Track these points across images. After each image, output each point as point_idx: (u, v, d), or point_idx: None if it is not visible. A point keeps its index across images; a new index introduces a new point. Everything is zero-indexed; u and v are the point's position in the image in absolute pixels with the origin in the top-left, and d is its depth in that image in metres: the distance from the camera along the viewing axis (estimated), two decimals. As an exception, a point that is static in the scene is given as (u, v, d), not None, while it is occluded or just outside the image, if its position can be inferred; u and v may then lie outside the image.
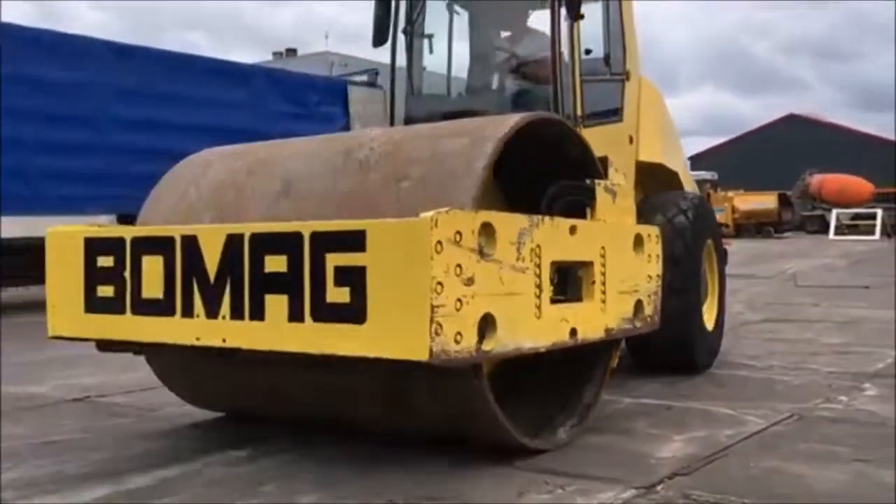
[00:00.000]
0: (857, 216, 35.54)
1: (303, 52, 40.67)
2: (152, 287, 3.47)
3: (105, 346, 3.80)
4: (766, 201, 36.74)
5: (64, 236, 3.81)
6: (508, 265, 3.15)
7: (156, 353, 3.97)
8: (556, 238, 3.46)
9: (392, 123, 5.43)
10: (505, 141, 3.34)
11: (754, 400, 4.72)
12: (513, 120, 3.45)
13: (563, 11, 4.94)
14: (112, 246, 3.60)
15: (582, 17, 4.94)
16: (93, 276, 3.65)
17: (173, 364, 4.01)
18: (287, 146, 4.12)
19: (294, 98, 14.68)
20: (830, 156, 44.45)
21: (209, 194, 3.93)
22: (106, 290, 3.60)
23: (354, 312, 2.94)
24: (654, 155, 5.83)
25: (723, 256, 6.20)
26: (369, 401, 3.61)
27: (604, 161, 4.05)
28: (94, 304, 3.64)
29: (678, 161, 6.52)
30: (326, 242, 3.02)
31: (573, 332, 3.56)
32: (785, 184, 39.34)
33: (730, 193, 37.79)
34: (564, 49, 4.99)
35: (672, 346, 5.22)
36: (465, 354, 2.92)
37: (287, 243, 3.11)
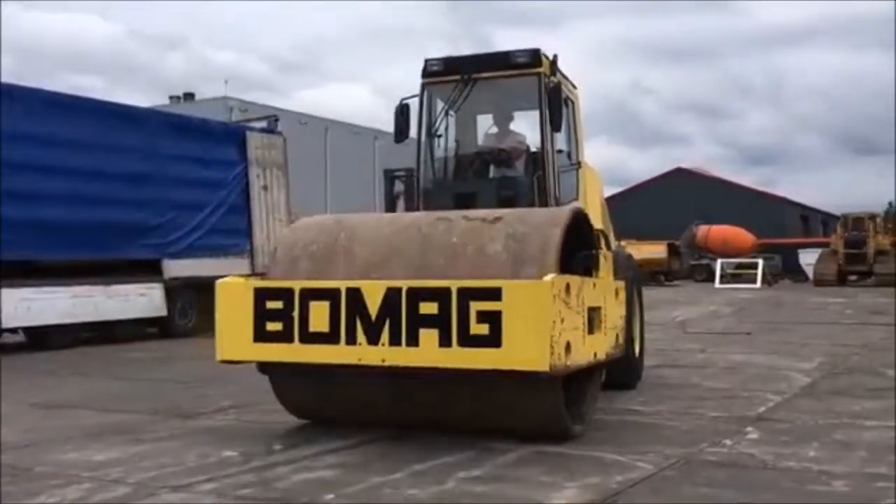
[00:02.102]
0: (740, 266, 36.85)
1: (201, 96, 39.66)
2: (319, 323, 4.89)
3: (267, 368, 5.15)
4: (656, 250, 37.02)
5: (234, 286, 5.17)
6: (574, 310, 4.85)
7: (282, 376, 5.33)
8: (589, 291, 5.20)
9: (417, 199, 7.03)
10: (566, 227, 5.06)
11: (644, 445, 4.92)
12: (569, 211, 5.20)
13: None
14: (281, 294, 4.99)
15: (560, 129, 6.80)
16: (262, 315, 5.01)
17: (305, 385, 5.38)
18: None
19: (190, 142, 14.56)
20: (716, 208, 45.72)
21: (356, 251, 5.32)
22: (275, 326, 4.98)
23: (492, 340, 4.53)
24: (596, 222, 7.68)
25: (641, 298, 8.15)
26: (473, 405, 5.14)
27: (598, 236, 5.86)
28: (262, 336, 5.00)
29: (608, 224, 8.46)
30: (470, 294, 4.60)
31: (595, 354, 5.31)
32: (674, 234, 39.99)
33: (623, 242, 38.55)
34: (549, 149, 6.81)
35: (615, 368, 7.01)
36: (561, 366, 4.59)
37: (438, 294, 4.66)
